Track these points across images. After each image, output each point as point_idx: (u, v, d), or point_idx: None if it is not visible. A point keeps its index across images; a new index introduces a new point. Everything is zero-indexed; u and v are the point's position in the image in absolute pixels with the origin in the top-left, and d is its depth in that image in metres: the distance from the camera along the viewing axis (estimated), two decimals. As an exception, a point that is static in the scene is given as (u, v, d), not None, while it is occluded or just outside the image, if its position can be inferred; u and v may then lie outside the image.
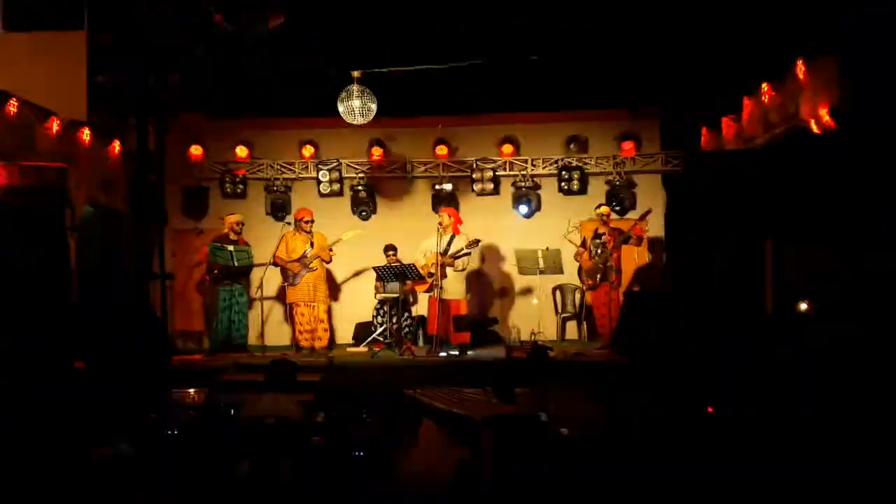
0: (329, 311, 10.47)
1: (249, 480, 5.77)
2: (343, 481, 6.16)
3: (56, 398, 6.40)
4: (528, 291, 11.33)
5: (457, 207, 11.22)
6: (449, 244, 9.57)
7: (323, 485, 5.95)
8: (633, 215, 10.97)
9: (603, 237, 9.83)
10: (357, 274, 11.28)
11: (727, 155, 9.66)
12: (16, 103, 7.95)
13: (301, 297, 9.86)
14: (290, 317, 10.39)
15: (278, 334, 11.02)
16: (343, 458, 6.58)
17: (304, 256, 9.80)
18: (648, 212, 10.00)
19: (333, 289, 11.12)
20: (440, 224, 9.64)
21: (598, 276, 9.78)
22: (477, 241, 9.60)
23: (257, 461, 5.82)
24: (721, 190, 8.99)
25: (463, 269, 9.74)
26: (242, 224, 10.15)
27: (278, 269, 10.14)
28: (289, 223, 10.40)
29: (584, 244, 10.11)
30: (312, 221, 9.99)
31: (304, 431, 6.16)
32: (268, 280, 10.18)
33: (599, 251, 9.78)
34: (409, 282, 9.85)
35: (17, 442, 5.47)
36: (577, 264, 10.43)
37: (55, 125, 8.60)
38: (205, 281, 10.67)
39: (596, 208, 10.23)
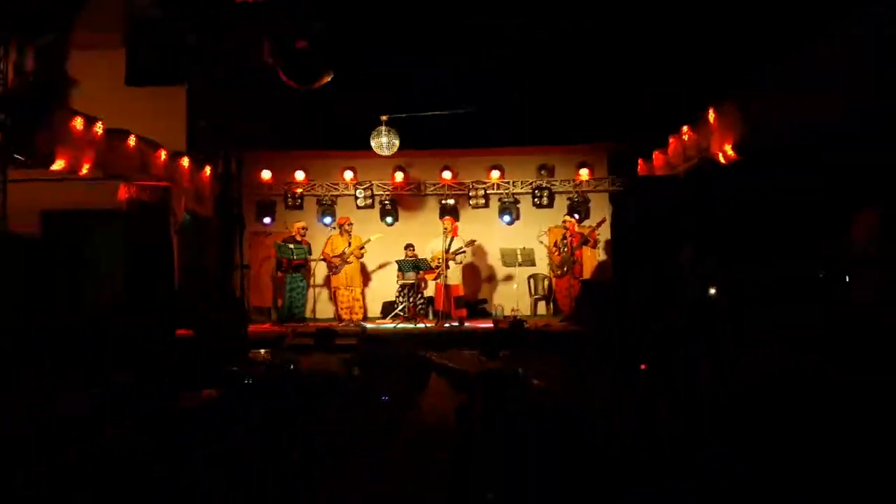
0: (363, 293, 10.51)
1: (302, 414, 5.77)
2: (373, 419, 6.20)
3: (164, 359, 6.45)
4: (509, 279, 11.34)
5: (457, 216, 11.25)
6: (450, 244, 9.61)
7: (358, 421, 5.99)
8: (589, 223, 10.98)
9: (567, 239, 9.86)
10: (382, 266, 11.30)
11: (657, 179, 9.66)
12: (134, 138, 8.01)
13: (342, 282, 9.92)
14: (333, 297, 10.42)
15: (326, 310, 11.06)
16: (373, 401, 6.62)
17: (343, 253, 9.86)
18: (602, 221, 10.01)
19: (366, 277, 11.15)
20: (445, 229, 9.67)
21: (564, 268, 9.82)
22: (473, 242, 9.64)
23: (306, 403, 5.83)
24: (652, 205, 9.01)
25: (461, 263, 9.80)
26: (306, 229, 10.22)
27: (325, 262, 10.20)
28: (334, 228, 10.43)
29: (555, 244, 10.14)
30: (352, 225, 10.04)
31: (343, 382, 6.20)
32: (319, 270, 10.23)
33: (565, 250, 9.83)
34: (421, 272, 9.88)
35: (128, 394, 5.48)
36: (548, 258, 10.45)
37: (162, 155, 8.66)
38: (273, 270, 10.70)
39: (563, 218, 10.24)
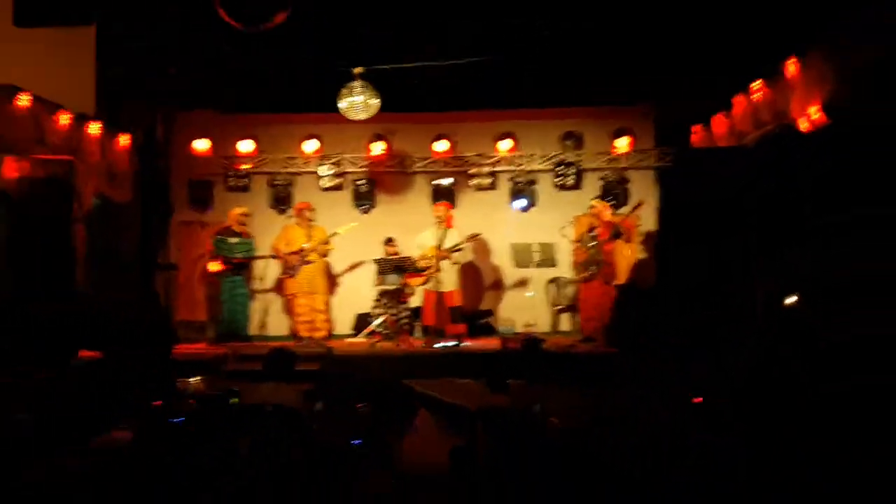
0: (327, 303, 10.43)
1: (248, 465, 5.75)
2: (341, 469, 6.15)
3: (59, 387, 6.39)
4: (522, 284, 11.29)
5: (453, 202, 11.18)
6: (443, 238, 9.54)
7: (321, 472, 5.93)
8: (626, 210, 10.92)
9: (596, 231, 9.77)
10: (353, 267, 11.24)
11: (718, 151, 9.62)
12: (26, 97, 7.92)
13: (299, 288, 9.82)
14: (289, 308, 10.36)
15: (279, 325, 11.00)
16: (341, 445, 6.57)
17: (302, 250, 9.74)
18: (639, 204, 9.93)
19: (332, 281, 11.08)
20: (438, 218, 9.60)
21: (591, 269, 9.71)
22: (475, 236, 9.57)
23: (256, 447, 5.80)
24: (711, 187, 8.96)
25: (458, 263, 9.75)
26: (247, 216, 10.10)
27: (277, 260, 10.13)
28: (290, 215, 10.36)
29: (580, 238, 10.03)
30: (313, 212, 9.94)
31: (302, 419, 6.14)
32: (269, 272, 10.15)
33: (592, 245, 9.72)
34: (406, 274, 9.82)
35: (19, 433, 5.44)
36: (572, 257, 10.39)
37: (64, 119, 8.57)
38: (208, 272, 10.62)
39: (590, 203, 10.16)
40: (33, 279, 8.21)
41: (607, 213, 9.99)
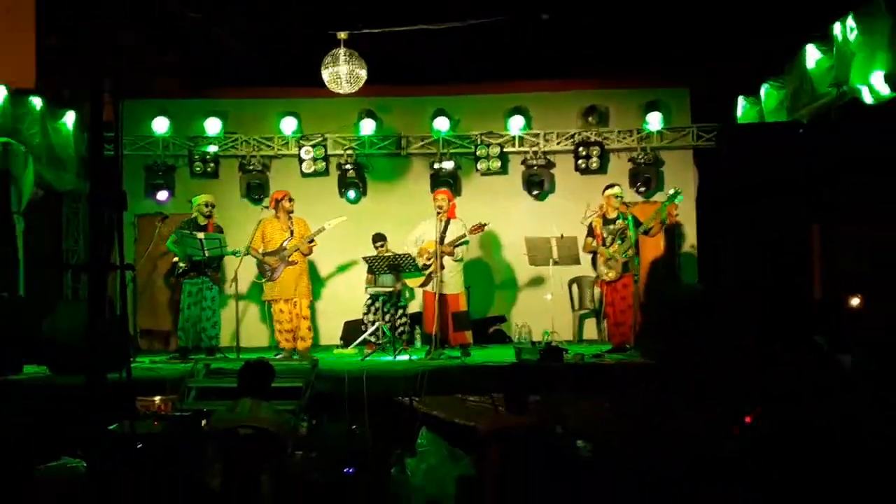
0: (313, 308, 10.41)
1: (222, 498, 5.75)
2: (329, 500, 6.15)
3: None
4: (539, 284, 11.27)
5: (458, 188, 11.15)
6: (444, 231, 9.48)
7: (306, 505, 5.93)
8: (660, 197, 10.92)
9: (618, 223, 9.61)
10: (344, 268, 11.23)
11: (767, 127, 9.62)
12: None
13: (280, 293, 9.74)
14: (268, 315, 10.34)
15: (256, 335, 11.01)
16: (330, 475, 6.56)
17: (282, 249, 9.64)
18: (677, 193, 9.78)
19: (318, 283, 11.07)
20: (439, 208, 9.54)
21: (621, 266, 9.56)
22: (483, 226, 9.48)
23: (230, 476, 5.79)
24: (761, 169, 8.97)
25: (461, 259, 9.66)
26: (213, 206, 10.03)
27: (254, 259, 10.09)
28: (267, 207, 10.32)
29: (590, 232, 9.82)
30: (292, 202, 9.88)
31: (284, 444, 6.14)
32: (242, 273, 10.08)
33: (618, 238, 9.55)
34: (401, 274, 9.78)
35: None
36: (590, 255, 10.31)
37: (0, 95, 8.57)
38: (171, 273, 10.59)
39: (604, 190, 9.97)
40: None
41: (613, 202, 9.74)
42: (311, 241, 9.72)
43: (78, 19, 9.34)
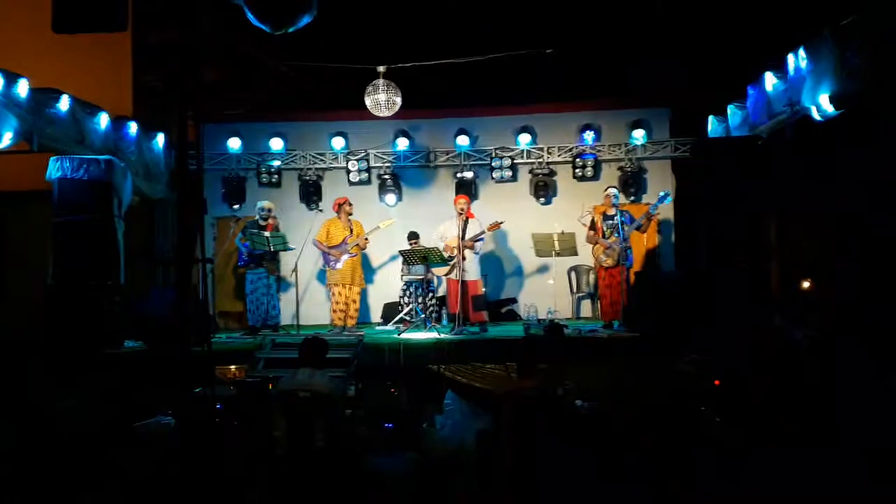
0: (363, 294, 10.45)
1: (285, 448, 5.80)
2: (373, 450, 6.19)
3: (105, 375, 6.46)
4: (544, 272, 11.27)
5: (475, 194, 11.15)
6: (465, 228, 9.53)
7: (354, 453, 5.98)
8: (646, 199, 10.88)
9: (615, 218, 9.59)
10: (391, 259, 11.25)
11: (733, 141, 9.55)
12: (67, 100, 7.99)
13: (340, 279, 9.82)
14: (330, 297, 10.36)
15: (315, 314, 11.04)
16: (374, 428, 6.61)
17: (344, 243, 9.74)
18: (666, 195, 9.72)
19: (368, 273, 11.11)
20: (461, 210, 9.58)
21: (618, 255, 9.53)
22: (499, 223, 9.53)
23: (293, 431, 5.84)
24: (728, 176, 8.91)
25: (479, 252, 9.73)
26: (269, 210, 10.06)
27: (315, 252, 10.15)
28: (321, 210, 10.35)
29: (592, 226, 9.83)
30: (352, 206, 9.96)
31: (336, 404, 6.18)
32: (301, 264, 10.14)
33: (616, 231, 9.53)
34: (431, 266, 9.80)
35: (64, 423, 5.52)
36: (592, 245, 10.25)
37: (103, 120, 8.65)
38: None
39: (605, 190, 9.98)
40: (78, 275, 8.30)
41: (607, 203, 9.75)
42: (367, 238, 9.81)
43: (167, 60, 9.44)
